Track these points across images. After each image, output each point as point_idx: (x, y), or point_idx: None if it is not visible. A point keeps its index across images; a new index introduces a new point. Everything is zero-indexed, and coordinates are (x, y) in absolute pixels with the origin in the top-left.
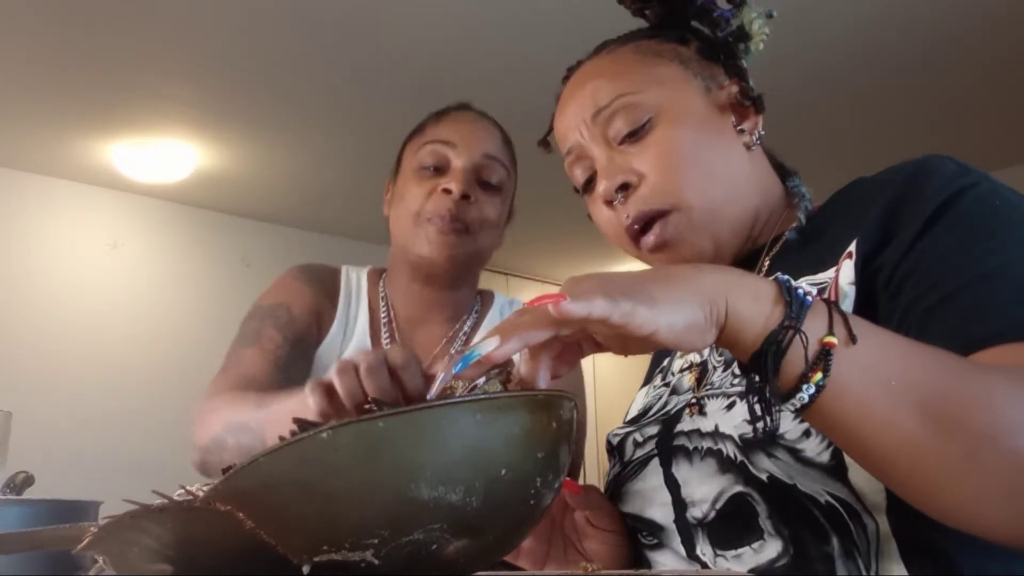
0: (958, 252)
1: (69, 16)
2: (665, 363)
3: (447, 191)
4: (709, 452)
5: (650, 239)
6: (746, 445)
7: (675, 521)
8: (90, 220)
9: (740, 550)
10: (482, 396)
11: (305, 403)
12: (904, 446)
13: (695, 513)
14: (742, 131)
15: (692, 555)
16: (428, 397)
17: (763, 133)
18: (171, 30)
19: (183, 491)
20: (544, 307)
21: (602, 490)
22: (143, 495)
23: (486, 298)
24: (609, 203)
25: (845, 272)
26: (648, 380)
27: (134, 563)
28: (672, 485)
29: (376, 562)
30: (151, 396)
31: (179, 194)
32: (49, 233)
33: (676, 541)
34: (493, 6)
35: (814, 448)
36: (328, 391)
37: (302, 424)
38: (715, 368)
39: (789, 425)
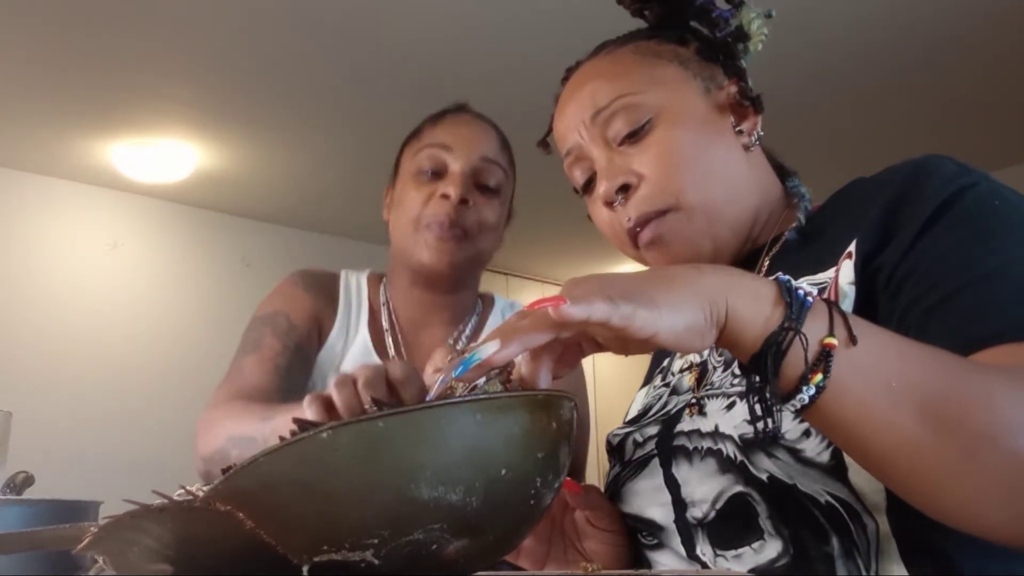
0: (958, 252)
1: (69, 16)
2: (665, 363)
3: (445, 196)
4: (709, 452)
5: (646, 235)
6: (746, 445)
7: (675, 521)
8: (90, 220)
9: (740, 550)
10: (482, 396)
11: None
12: (904, 446)
13: (695, 513)
14: (741, 131)
15: (692, 555)
16: (428, 398)
17: (762, 133)
18: (171, 30)
19: (183, 491)
20: (544, 310)
21: (602, 490)
22: (143, 495)
23: (487, 301)
24: (609, 204)
25: (845, 272)
26: (648, 380)
27: (134, 563)
28: (672, 485)
29: (376, 562)
30: (151, 396)
31: (179, 194)
32: (49, 233)
33: (676, 541)
34: (493, 6)
35: (814, 448)
36: (326, 404)
37: (302, 424)
38: (715, 368)
39: (789, 425)
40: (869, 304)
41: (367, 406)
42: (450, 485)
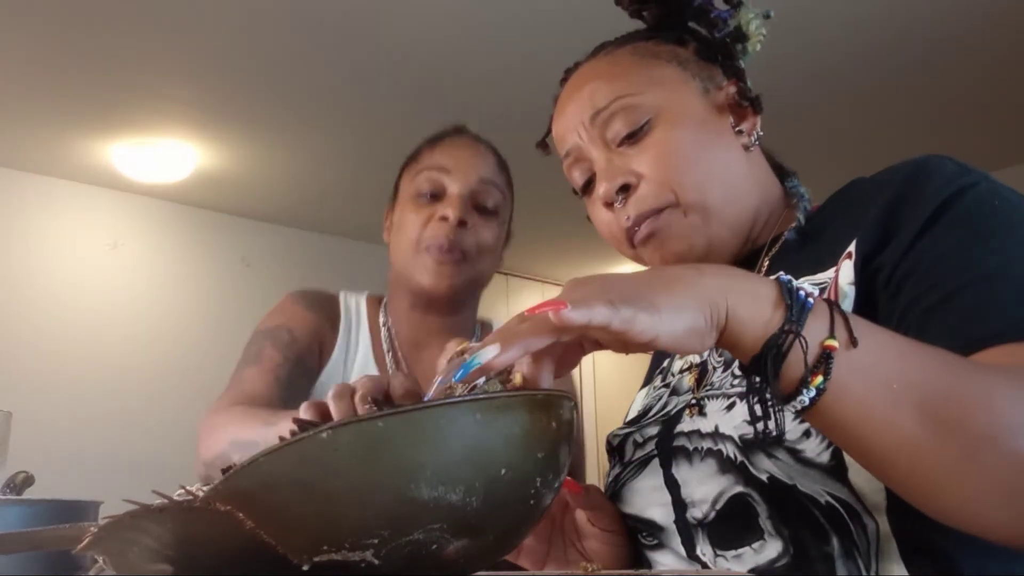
0: (958, 252)
1: (69, 16)
2: (665, 364)
3: (444, 218)
4: (709, 452)
5: (642, 231)
6: (746, 446)
7: (675, 521)
8: (90, 220)
9: (740, 550)
10: (482, 396)
11: None
12: (904, 446)
13: (695, 513)
14: (740, 132)
15: (692, 555)
16: (426, 398)
17: (761, 133)
18: (171, 30)
19: (183, 491)
20: (544, 315)
21: (602, 490)
22: (143, 495)
23: (485, 326)
24: (609, 205)
25: (845, 272)
26: (648, 381)
27: (134, 563)
28: (672, 486)
29: (376, 562)
30: (151, 396)
31: (179, 194)
32: (49, 233)
33: (676, 541)
34: (493, 6)
35: (814, 448)
36: (323, 414)
37: (302, 424)
38: (715, 369)
39: (789, 425)
40: (869, 304)
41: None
42: (450, 485)
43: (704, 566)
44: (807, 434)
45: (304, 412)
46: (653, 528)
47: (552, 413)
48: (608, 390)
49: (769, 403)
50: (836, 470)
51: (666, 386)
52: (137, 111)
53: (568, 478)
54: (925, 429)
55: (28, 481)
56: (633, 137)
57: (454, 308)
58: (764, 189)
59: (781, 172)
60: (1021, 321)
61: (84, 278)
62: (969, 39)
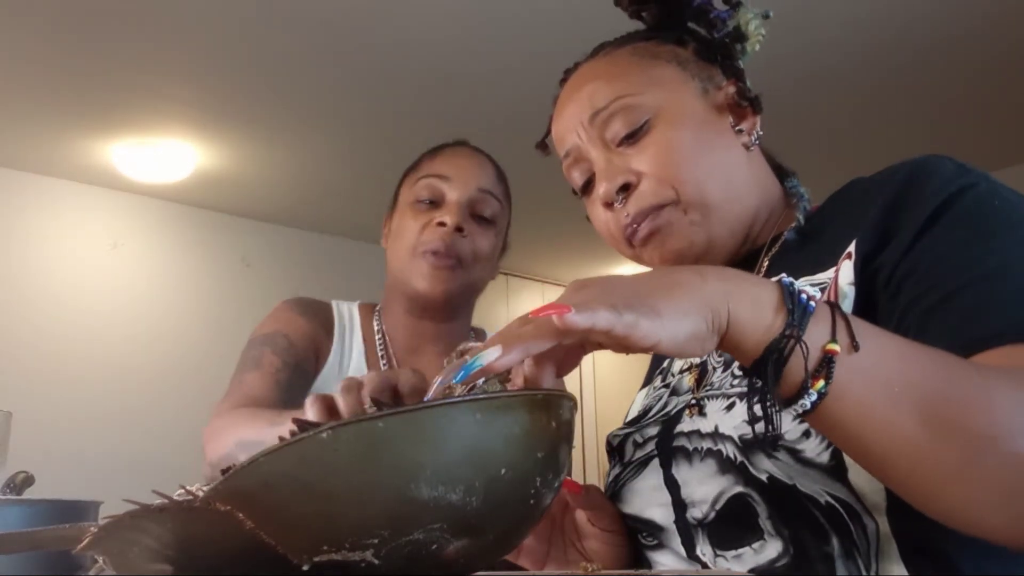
0: (958, 252)
1: (69, 16)
2: (665, 364)
3: (442, 224)
4: (709, 453)
5: (642, 230)
6: (746, 446)
7: (675, 522)
8: (90, 220)
9: (740, 550)
10: (482, 396)
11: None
12: (904, 448)
13: (695, 513)
14: (740, 131)
15: (692, 555)
16: (426, 398)
17: (761, 133)
18: (171, 30)
19: (183, 491)
20: (548, 317)
21: (602, 490)
22: (143, 495)
23: (480, 334)
24: (608, 205)
25: (844, 272)
26: (648, 381)
27: (134, 563)
28: (672, 486)
29: (376, 562)
30: (151, 396)
31: (179, 194)
32: (49, 233)
33: (676, 541)
34: (493, 6)
35: (814, 448)
36: (328, 406)
37: (302, 424)
38: (715, 369)
39: (789, 426)
40: (869, 304)
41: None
42: (450, 485)
43: (704, 566)
44: (807, 434)
45: (311, 405)
46: (653, 528)
47: (552, 413)
48: (608, 390)
49: (770, 404)
50: (836, 470)
51: (666, 386)
52: (137, 111)
53: (568, 478)
54: (925, 431)
55: (28, 481)
56: (632, 137)
57: (449, 314)
58: (764, 189)
59: (781, 172)
60: (1021, 321)
61: (84, 278)
62: (969, 39)
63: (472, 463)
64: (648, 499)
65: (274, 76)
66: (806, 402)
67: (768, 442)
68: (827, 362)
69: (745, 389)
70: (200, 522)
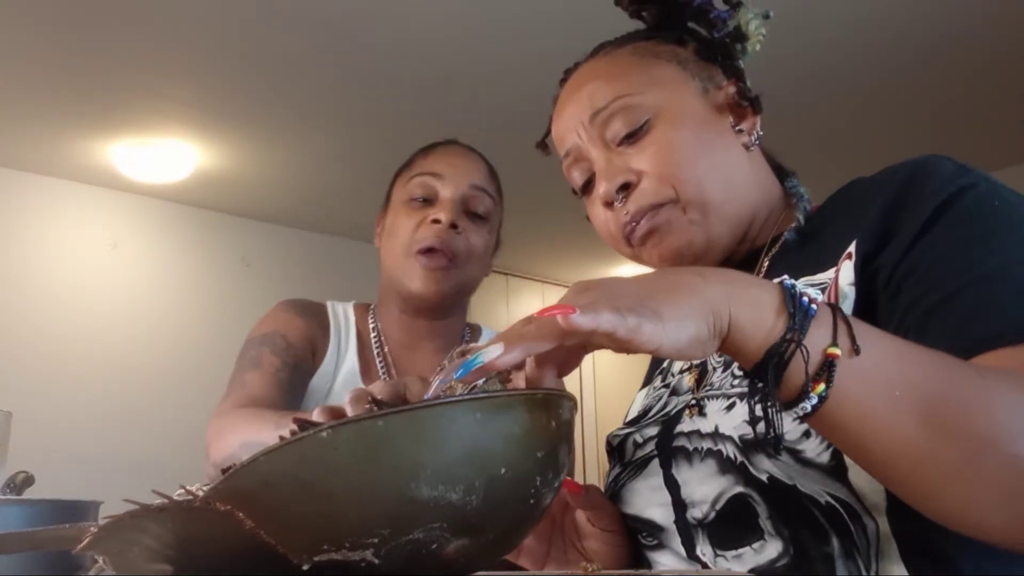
0: (957, 252)
1: (69, 16)
2: (665, 364)
3: (436, 221)
4: (709, 453)
5: (641, 228)
6: (746, 446)
7: (675, 522)
8: (90, 220)
9: (740, 550)
10: (482, 395)
11: None
12: (904, 450)
13: (695, 514)
14: (740, 131)
15: (692, 555)
16: (426, 397)
17: (761, 133)
18: (171, 30)
19: (183, 491)
20: (551, 318)
21: (602, 490)
22: (143, 495)
23: (475, 330)
24: (608, 204)
25: (845, 273)
26: (648, 381)
27: (134, 563)
28: (672, 486)
29: (376, 561)
30: (151, 396)
31: (179, 194)
32: (49, 233)
33: (676, 541)
34: (493, 6)
35: (814, 449)
36: (338, 417)
37: (302, 424)
38: (715, 369)
39: (789, 426)
40: (869, 304)
41: None
42: (450, 484)
43: (704, 566)
44: (807, 434)
45: (319, 415)
46: (653, 528)
47: (552, 412)
48: (608, 390)
49: (770, 405)
50: (836, 470)
51: (666, 386)
52: (137, 111)
53: (568, 478)
54: (925, 434)
55: (28, 481)
56: (632, 137)
57: (443, 312)
58: (763, 189)
59: (781, 172)
60: (1021, 322)
61: (84, 278)
62: (969, 39)
63: (472, 462)
64: (648, 499)
65: (274, 76)
66: (807, 405)
67: (770, 444)
68: (828, 366)
69: (745, 389)
70: (200, 522)
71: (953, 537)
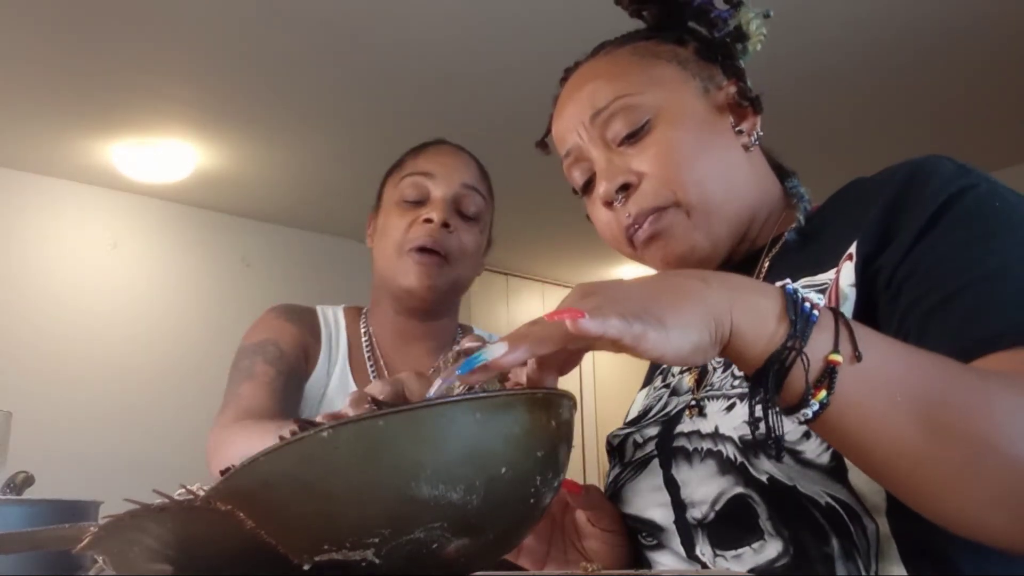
0: (958, 253)
1: (69, 16)
2: (665, 364)
3: (428, 220)
4: (709, 453)
5: (644, 231)
6: (746, 447)
7: (675, 522)
8: (90, 220)
9: (740, 550)
10: (482, 395)
11: None
12: (905, 454)
13: (695, 514)
14: (740, 131)
15: (692, 555)
16: (428, 395)
17: (761, 133)
18: (171, 30)
19: (183, 491)
20: (560, 321)
21: (602, 490)
22: (143, 495)
23: (467, 332)
24: (609, 204)
25: (845, 274)
26: (648, 381)
27: (134, 563)
28: (672, 486)
29: (377, 561)
30: (151, 396)
31: (179, 194)
32: (49, 233)
33: (676, 542)
34: (493, 6)
35: (814, 450)
36: None
37: (302, 424)
38: (715, 369)
39: (789, 427)
40: (870, 305)
41: None
42: (450, 484)
43: (704, 566)
44: (807, 435)
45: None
46: (653, 528)
47: (552, 412)
48: (608, 390)
49: (771, 408)
50: (836, 471)
51: (666, 386)
52: (137, 111)
53: (568, 478)
54: (926, 438)
55: (28, 481)
56: (633, 137)
57: (436, 312)
58: (763, 189)
59: (781, 172)
60: (1021, 323)
61: (84, 278)
62: (969, 39)
63: (472, 462)
64: (648, 499)
65: (274, 76)
66: (807, 412)
67: (771, 448)
68: (830, 372)
69: (745, 390)
70: (200, 522)
71: (953, 538)
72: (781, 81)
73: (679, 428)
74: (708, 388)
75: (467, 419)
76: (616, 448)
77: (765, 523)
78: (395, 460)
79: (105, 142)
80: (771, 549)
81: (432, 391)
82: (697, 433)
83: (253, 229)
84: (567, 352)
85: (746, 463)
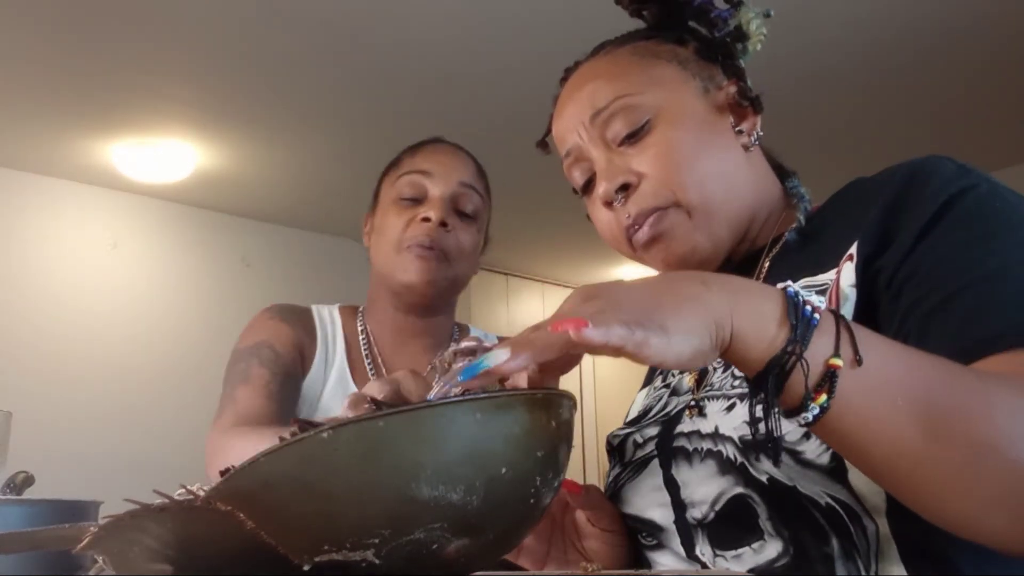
0: (958, 254)
1: (69, 16)
2: None
3: (426, 219)
4: (709, 454)
5: (645, 233)
6: (746, 447)
7: (675, 522)
8: (90, 220)
9: (740, 550)
10: (482, 395)
11: None
12: (905, 457)
13: (695, 514)
14: (740, 131)
15: (691, 555)
16: (429, 398)
17: (761, 133)
18: (171, 30)
19: (183, 491)
20: (565, 332)
21: (602, 490)
22: (143, 495)
23: (463, 329)
24: (608, 204)
25: (846, 274)
26: (648, 381)
27: (134, 563)
28: (672, 486)
29: (377, 562)
30: (151, 396)
31: (179, 194)
32: (49, 233)
33: (676, 542)
34: (493, 6)
35: (814, 450)
36: None
37: (303, 424)
38: (715, 369)
39: (789, 428)
40: (870, 306)
41: None
42: (450, 484)
43: (704, 566)
44: (807, 436)
45: None
46: (653, 528)
47: (552, 412)
48: (608, 390)
49: (770, 411)
50: (836, 472)
51: (666, 386)
52: (137, 111)
53: (568, 478)
54: (927, 441)
55: (28, 481)
56: (633, 137)
57: (434, 308)
58: (764, 189)
59: (781, 172)
60: (1021, 323)
61: (84, 278)
62: (969, 39)
63: (472, 462)
64: (648, 499)
65: (274, 76)
66: (808, 415)
67: (770, 451)
68: (830, 376)
69: (745, 390)
70: (200, 522)
71: (953, 539)
72: (781, 81)
73: (679, 428)
74: (708, 388)
75: (467, 419)
76: (616, 448)
77: (765, 523)
78: (395, 461)
79: (105, 142)
80: (771, 549)
81: (432, 395)
82: (697, 433)
83: (253, 229)
84: (569, 358)
85: (746, 463)
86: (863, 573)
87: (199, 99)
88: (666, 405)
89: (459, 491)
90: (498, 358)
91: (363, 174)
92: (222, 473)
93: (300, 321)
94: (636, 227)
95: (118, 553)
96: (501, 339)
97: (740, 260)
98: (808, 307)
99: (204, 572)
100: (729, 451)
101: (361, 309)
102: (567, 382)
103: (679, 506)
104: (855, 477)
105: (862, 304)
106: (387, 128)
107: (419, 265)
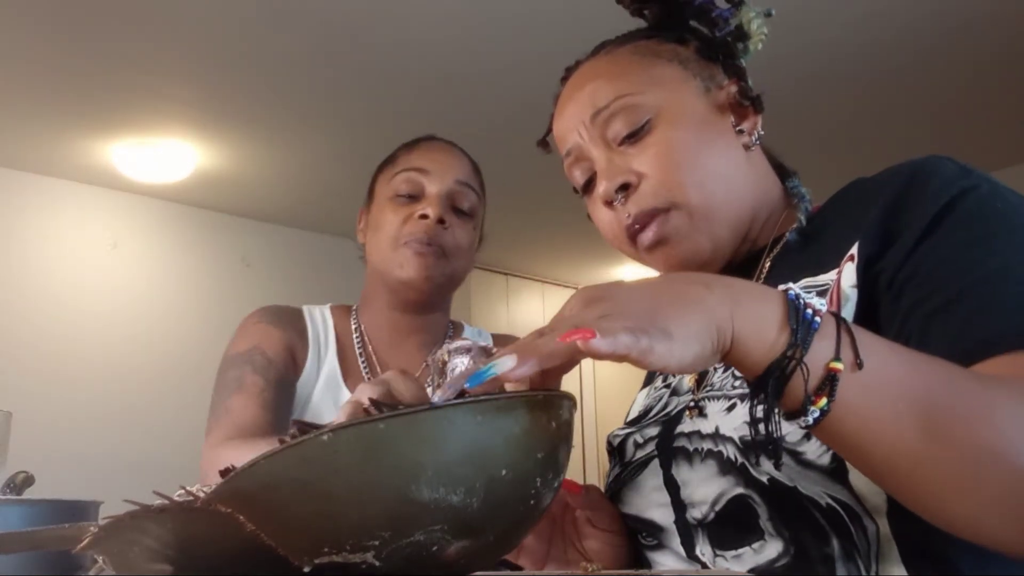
0: (959, 255)
1: (69, 16)
2: None
3: (424, 216)
4: (709, 454)
5: (648, 235)
6: (746, 447)
7: (675, 522)
8: (90, 220)
9: (740, 550)
10: (482, 397)
11: None
12: (906, 459)
13: (695, 514)
14: (741, 131)
15: (692, 555)
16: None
17: (762, 133)
18: (171, 30)
19: (183, 491)
20: (572, 342)
21: (602, 490)
22: (143, 495)
23: (457, 327)
24: (609, 204)
25: (847, 275)
26: (649, 381)
27: (134, 563)
28: (672, 486)
29: (377, 563)
30: (151, 396)
31: (179, 194)
32: (49, 233)
33: (676, 542)
34: (493, 6)
35: (815, 451)
36: None
37: (303, 427)
38: (715, 369)
39: (790, 428)
40: (871, 307)
41: None
42: (451, 486)
43: (704, 566)
44: (807, 437)
45: None
46: (653, 528)
47: (552, 413)
48: (608, 390)
49: (770, 414)
50: (837, 472)
51: (667, 386)
52: (137, 111)
53: (568, 478)
54: (928, 444)
55: (28, 481)
56: (634, 136)
57: (430, 305)
58: (764, 189)
59: (782, 172)
60: (1021, 324)
61: (84, 278)
62: (969, 39)
63: (472, 464)
64: (648, 499)
65: (274, 76)
66: (809, 418)
67: (770, 452)
68: (830, 380)
69: (746, 391)
70: (200, 523)
71: (953, 539)
72: (781, 81)
73: (679, 428)
74: (708, 388)
75: (467, 421)
76: (616, 448)
77: (765, 523)
78: (395, 462)
79: (105, 142)
80: (771, 549)
81: (436, 396)
82: (697, 433)
83: (253, 229)
84: (572, 362)
85: (747, 463)
86: (863, 573)
87: (199, 99)
88: (666, 405)
89: (459, 493)
90: (505, 365)
91: (363, 174)
92: (223, 474)
93: (291, 323)
94: (637, 227)
95: (118, 553)
96: (495, 337)
97: (741, 260)
98: (809, 310)
99: (204, 573)
100: (729, 451)
101: (355, 307)
102: (567, 382)
103: (679, 506)
104: (856, 478)
105: (863, 304)
106: (387, 128)
107: (417, 261)
